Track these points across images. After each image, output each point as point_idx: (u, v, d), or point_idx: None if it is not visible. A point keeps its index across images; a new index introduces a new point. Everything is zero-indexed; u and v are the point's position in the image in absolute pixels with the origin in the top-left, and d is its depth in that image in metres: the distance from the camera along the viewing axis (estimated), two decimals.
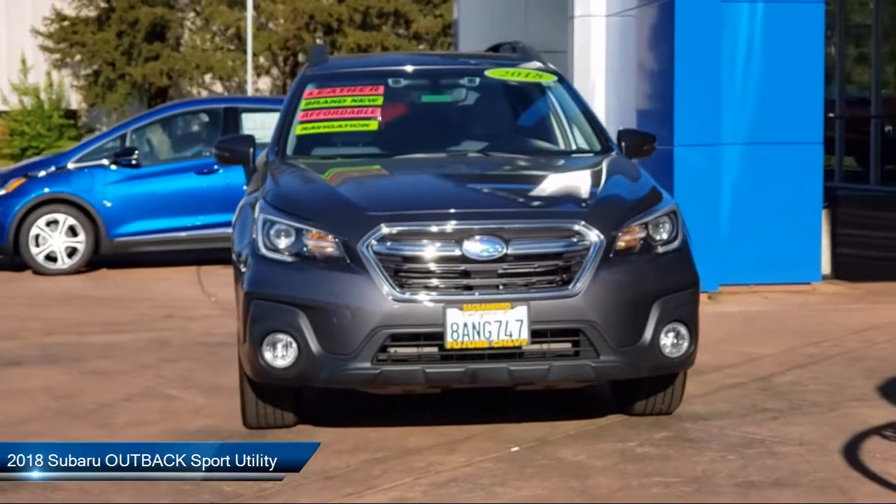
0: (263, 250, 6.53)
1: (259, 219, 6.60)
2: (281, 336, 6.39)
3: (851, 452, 6.41)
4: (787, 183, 11.80)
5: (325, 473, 6.20)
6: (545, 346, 6.32)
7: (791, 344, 9.30)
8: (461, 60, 8.69)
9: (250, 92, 35.25)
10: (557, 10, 17.16)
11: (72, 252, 14.34)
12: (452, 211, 6.47)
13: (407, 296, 6.26)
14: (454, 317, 6.22)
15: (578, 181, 7.05)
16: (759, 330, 9.91)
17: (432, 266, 6.30)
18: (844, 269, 12.68)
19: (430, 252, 6.31)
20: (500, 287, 6.30)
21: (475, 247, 6.28)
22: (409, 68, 8.29)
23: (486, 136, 7.99)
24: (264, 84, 42.64)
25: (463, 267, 6.29)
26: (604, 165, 7.23)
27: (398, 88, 8.06)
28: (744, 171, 11.71)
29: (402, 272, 6.29)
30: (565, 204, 6.64)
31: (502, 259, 6.29)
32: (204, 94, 41.20)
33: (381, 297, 6.25)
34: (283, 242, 6.50)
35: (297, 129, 7.74)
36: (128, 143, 14.60)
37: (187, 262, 15.19)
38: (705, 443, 6.64)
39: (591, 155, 7.61)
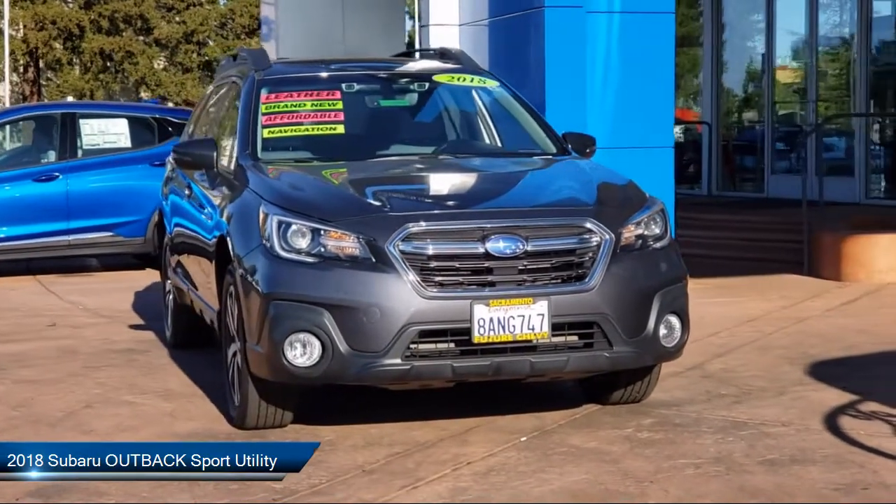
0: (280, 252, 6.60)
1: (272, 220, 6.66)
2: (305, 336, 6.48)
3: (836, 431, 6.89)
4: (643, 185, 12.29)
5: (361, 468, 6.34)
6: (564, 339, 6.61)
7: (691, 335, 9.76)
8: (402, 65, 8.88)
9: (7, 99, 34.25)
10: (374, 19, 17.50)
11: None
12: (475, 210, 6.72)
13: (434, 293, 6.45)
14: (480, 312, 6.45)
15: (571, 181, 7.36)
16: None
17: (457, 264, 6.51)
18: None
19: (455, 250, 6.52)
20: (521, 283, 6.55)
21: (498, 244, 6.51)
22: (360, 73, 8.48)
23: (447, 139, 8.29)
24: (1, 90, 41.46)
25: (486, 264, 6.52)
26: (583, 166, 7.59)
27: (352, 93, 8.22)
28: None
29: (428, 270, 6.47)
30: (573, 202, 6.94)
31: (522, 256, 6.54)
32: None
33: (410, 295, 6.42)
34: (300, 243, 6.59)
35: (264, 133, 7.81)
36: None
37: (16, 272, 14.85)
38: (695, 427, 7.02)
39: (555, 156, 7.93)
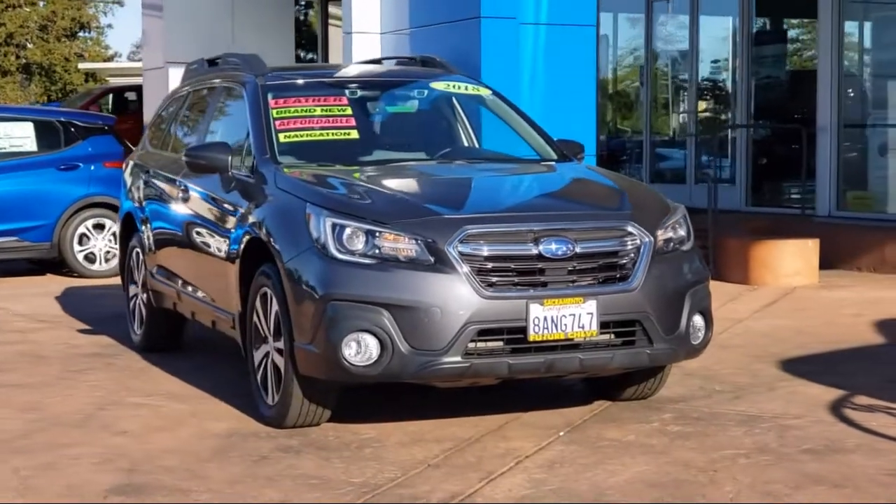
0: (335, 253, 6.73)
1: (324, 223, 6.79)
2: (364, 335, 6.63)
3: (849, 422, 7.31)
4: None
5: (425, 463, 6.52)
6: (608, 337, 6.91)
7: None
8: (397, 73, 9.09)
9: None
10: (264, 24, 17.61)
11: None
12: (528, 213, 6.98)
13: (491, 293, 6.67)
14: (536, 311, 6.70)
15: (599, 186, 7.68)
16: None
17: (512, 265, 6.75)
18: None
19: (509, 251, 6.76)
20: (571, 283, 6.83)
21: (550, 246, 6.77)
22: (362, 79, 8.66)
23: (455, 144, 8.57)
24: None
25: (539, 265, 6.77)
26: (600, 172, 7.94)
27: (355, 99, 8.39)
28: None
29: (485, 271, 6.69)
30: (612, 207, 7.24)
31: (572, 257, 6.82)
32: None
33: (470, 295, 6.63)
34: (356, 245, 6.74)
35: (280, 137, 7.92)
36: None
37: None
38: (715, 421, 7.36)
39: (559, 162, 8.25)
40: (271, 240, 7.14)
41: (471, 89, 8.78)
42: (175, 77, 17.19)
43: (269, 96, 8.18)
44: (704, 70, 18.21)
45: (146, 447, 6.94)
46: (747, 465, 6.43)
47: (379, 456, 6.66)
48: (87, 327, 11.03)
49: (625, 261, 6.95)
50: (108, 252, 14.74)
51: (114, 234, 14.69)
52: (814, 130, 15.90)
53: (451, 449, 6.78)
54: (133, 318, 9.96)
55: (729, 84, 17.84)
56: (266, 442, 6.98)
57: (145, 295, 9.62)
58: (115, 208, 14.52)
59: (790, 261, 13.37)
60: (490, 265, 6.71)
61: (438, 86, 8.71)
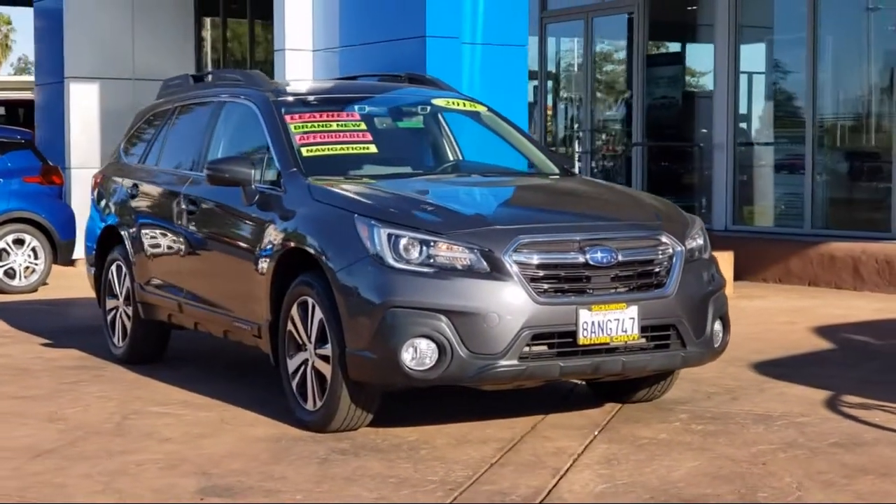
0: (392, 263, 7.00)
1: (380, 233, 7.04)
2: (423, 341, 6.91)
3: (855, 419, 7.79)
4: None
5: (488, 461, 6.81)
6: (646, 340, 7.30)
7: None
8: (399, 89, 9.34)
9: None
10: (165, 38, 17.68)
11: None
12: (574, 223, 7.34)
13: (544, 299, 7.02)
14: (584, 316, 7.06)
15: (629, 199, 8.10)
16: None
17: (562, 272, 7.10)
18: None
19: (559, 259, 7.11)
20: (613, 290, 7.21)
21: (596, 254, 7.14)
22: (367, 95, 8.92)
23: (466, 159, 8.89)
24: None
25: (586, 273, 7.14)
26: (619, 186, 8.37)
27: (364, 114, 8.63)
28: None
29: (537, 278, 7.04)
30: (647, 218, 7.63)
31: (615, 265, 7.20)
32: None
33: (526, 301, 6.96)
34: (412, 254, 7.02)
35: (304, 151, 8.13)
36: None
37: None
38: (731, 420, 7.78)
39: (564, 175, 8.65)
40: (316, 250, 7.34)
41: (468, 105, 9.12)
42: (77, 91, 17.21)
43: (283, 111, 8.37)
44: (600, 89, 18.81)
45: (202, 452, 7.08)
46: (789, 459, 6.85)
47: (438, 456, 6.92)
48: (47, 341, 11.02)
49: (659, 269, 7.36)
50: (27, 267, 14.64)
51: (33, 250, 14.62)
52: (709, 148, 16.59)
53: (504, 449, 7.07)
54: (112, 331, 10.01)
55: (624, 104, 18.46)
56: (317, 445, 7.18)
57: (131, 308, 9.68)
58: (34, 224, 14.52)
59: None
60: (541, 273, 7.05)
61: (439, 102, 9.02)
